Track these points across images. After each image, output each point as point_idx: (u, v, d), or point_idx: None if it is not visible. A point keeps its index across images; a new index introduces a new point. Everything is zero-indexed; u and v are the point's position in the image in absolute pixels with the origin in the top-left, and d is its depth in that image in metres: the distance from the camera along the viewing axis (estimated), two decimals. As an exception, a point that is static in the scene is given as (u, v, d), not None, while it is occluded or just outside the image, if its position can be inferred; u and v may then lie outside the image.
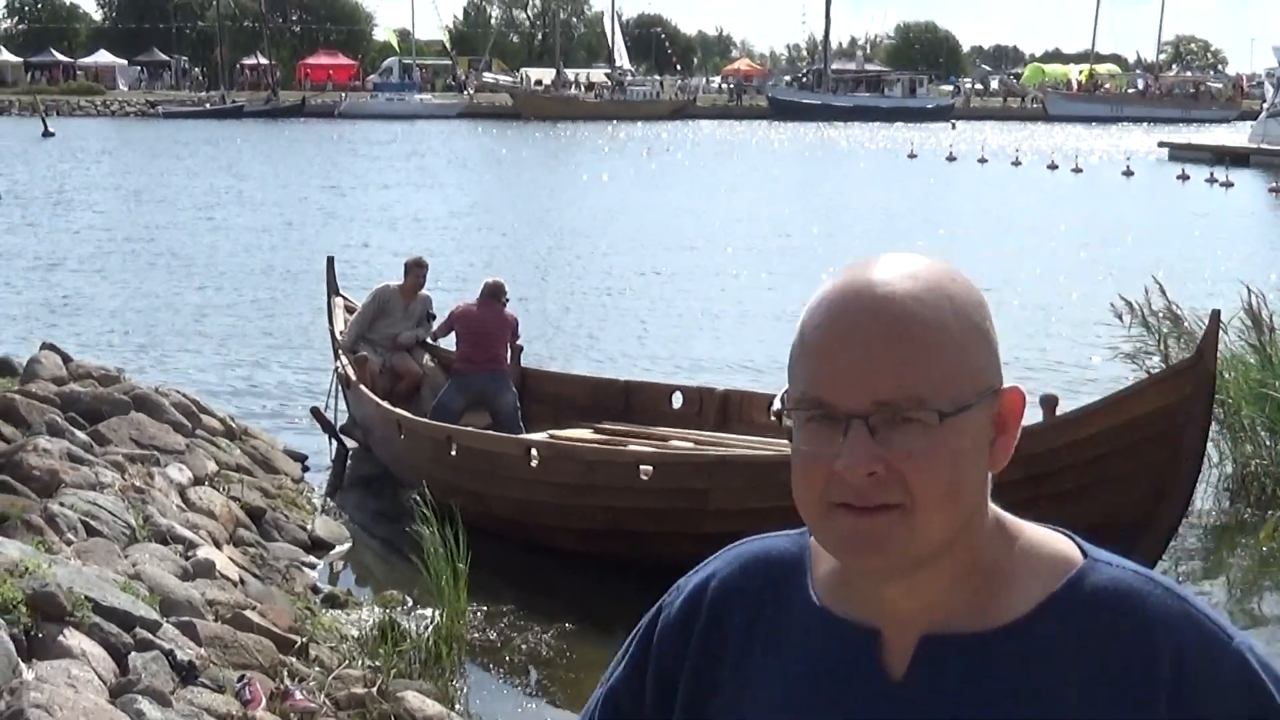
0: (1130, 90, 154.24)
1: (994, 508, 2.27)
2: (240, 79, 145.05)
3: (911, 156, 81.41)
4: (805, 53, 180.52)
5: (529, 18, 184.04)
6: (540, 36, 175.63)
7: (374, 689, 9.31)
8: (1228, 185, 62.16)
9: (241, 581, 10.77)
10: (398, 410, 14.86)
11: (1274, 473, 14.64)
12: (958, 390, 2.11)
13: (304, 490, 14.97)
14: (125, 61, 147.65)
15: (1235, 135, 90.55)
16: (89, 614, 8.21)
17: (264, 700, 8.48)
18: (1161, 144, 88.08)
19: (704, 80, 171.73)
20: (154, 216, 44.36)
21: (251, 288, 29.96)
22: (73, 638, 7.97)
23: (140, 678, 7.90)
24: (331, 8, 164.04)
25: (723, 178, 64.80)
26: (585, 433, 15.11)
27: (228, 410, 16.57)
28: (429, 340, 17.17)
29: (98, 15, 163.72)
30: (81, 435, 12.50)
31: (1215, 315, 10.02)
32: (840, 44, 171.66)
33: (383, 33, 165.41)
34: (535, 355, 18.13)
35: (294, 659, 9.52)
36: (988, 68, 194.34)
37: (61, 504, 10.30)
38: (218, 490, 12.87)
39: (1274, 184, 60.92)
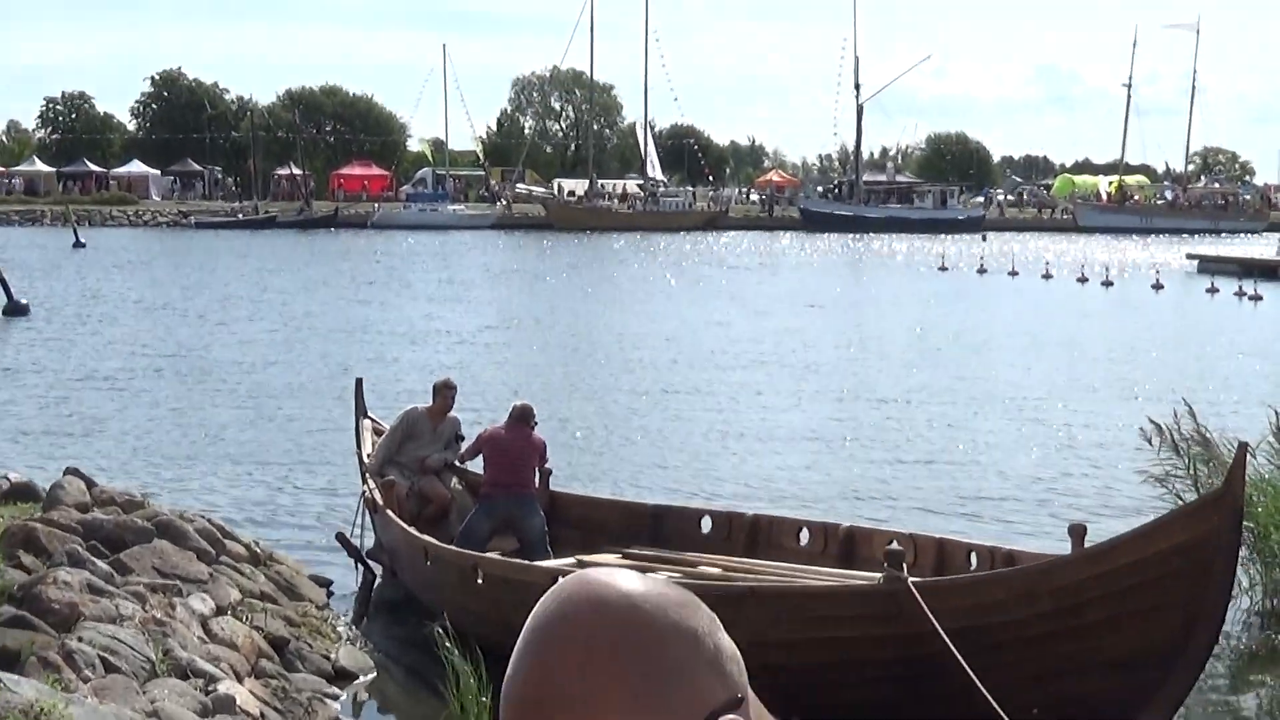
0: (1159, 201, 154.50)
1: None
2: (274, 189, 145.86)
3: (943, 269, 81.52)
4: (837, 163, 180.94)
5: (562, 128, 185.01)
6: (574, 147, 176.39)
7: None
8: (1256, 299, 62.17)
9: (262, 717, 10.66)
10: (424, 536, 14.78)
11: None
12: None
13: (329, 617, 14.85)
14: (159, 172, 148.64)
15: (1264, 246, 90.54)
16: (106, 756, 8.12)
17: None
18: (1190, 256, 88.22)
19: (736, 190, 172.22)
20: (181, 330, 44.50)
21: (280, 406, 29.93)
22: (89, 781, 7.88)
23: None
24: (365, 118, 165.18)
25: (754, 290, 64.93)
26: (614, 558, 14.99)
27: (253, 534, 16.48)
28: (457, 463, 17.09)
29: (132, 125, 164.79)
30: (103, 565, 12.42)
31: (1242, 447, 9.96)
32: (872, 154, 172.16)
33: (416, 143, 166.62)
34: (564, 477, 18.03)
35: (314, 797, 9.40)
36: (1018, 178, 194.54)
37: (80, 639, 10.21)
38: (240, 620, 12.76)
39: (1302, 297, 60.97)
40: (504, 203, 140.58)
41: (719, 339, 43.92)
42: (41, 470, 19.11)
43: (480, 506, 15.78)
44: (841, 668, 11.21)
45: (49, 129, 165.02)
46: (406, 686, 13.31)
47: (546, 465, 16.45)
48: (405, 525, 15.20)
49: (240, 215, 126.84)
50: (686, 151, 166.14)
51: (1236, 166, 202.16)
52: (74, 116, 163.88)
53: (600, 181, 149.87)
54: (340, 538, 16.69)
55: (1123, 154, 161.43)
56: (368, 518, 16.72)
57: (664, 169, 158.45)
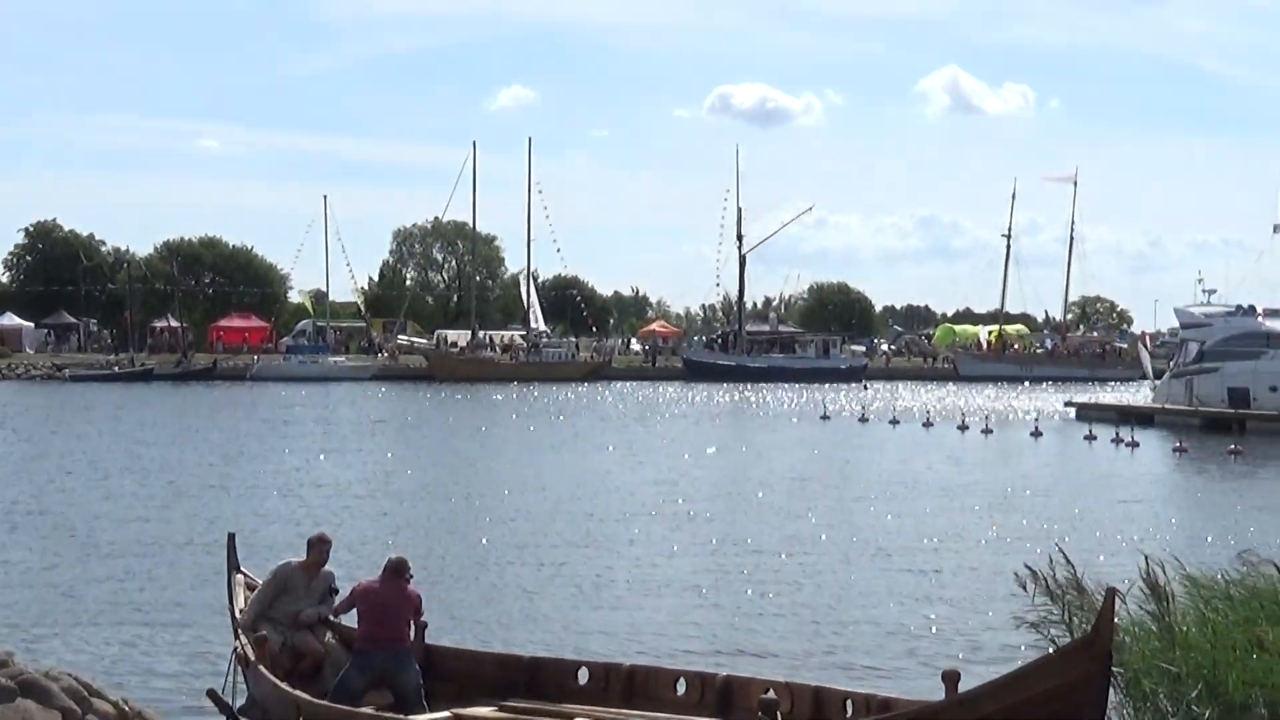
0: (1039, 350, 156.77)
1: None
2: (151, 341, 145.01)
3: (824, 418, 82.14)
4: (720, 313, 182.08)
5: (444, 279, 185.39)
6: (456, 298, 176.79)
7: None
8: (1133, 445, 63.09)
9: None
10: (296, 692, 14.63)
11: (1179, 744, 14.55)
12: None
13: (199, 775, 14.65)
14: (32, 324, 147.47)
15: (1141, 395, 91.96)
16: None
17: None
18: (1069, 404, 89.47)
19: (620, 341, 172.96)
20: (50, 486, 43.94)
21: (150, 562, 29.58)
22: None
23: None
24: (245, 270, 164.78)
25: (635, 441, 65.07)
26: (490, 711, 14.90)
27: (122, 693, 16.19)
28: (331, 617, 16.94)
29: (4, 277, 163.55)
30: (-34, 725, 12.20)
31: (1111, 592, 10.08)
32: (755, 304, 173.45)
33: (297, 294, 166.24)
34: (439, 630, 17.90)
35: None
36: (899, 328, 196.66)
37: (-59, 801, 10.00)
38: (108, 779, 12.55)
39: (1178, 443, 61.82)
40: (386, 354, 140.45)
41: (598, 490, 43.93)
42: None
43: (354, 661, 15.65)
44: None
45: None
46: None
47: (422, 618, 16.34)
48: (278, 681, 15.04)
49: (116, 368, 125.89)
50: (570, 302, 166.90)
51: (1115, 315, 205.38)
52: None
53: (483, 332, 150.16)
54: (212, 694, 16.46)
55: (1002, 303, 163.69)
56: (240, 674, 16.51)
57: (547, 319, 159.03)
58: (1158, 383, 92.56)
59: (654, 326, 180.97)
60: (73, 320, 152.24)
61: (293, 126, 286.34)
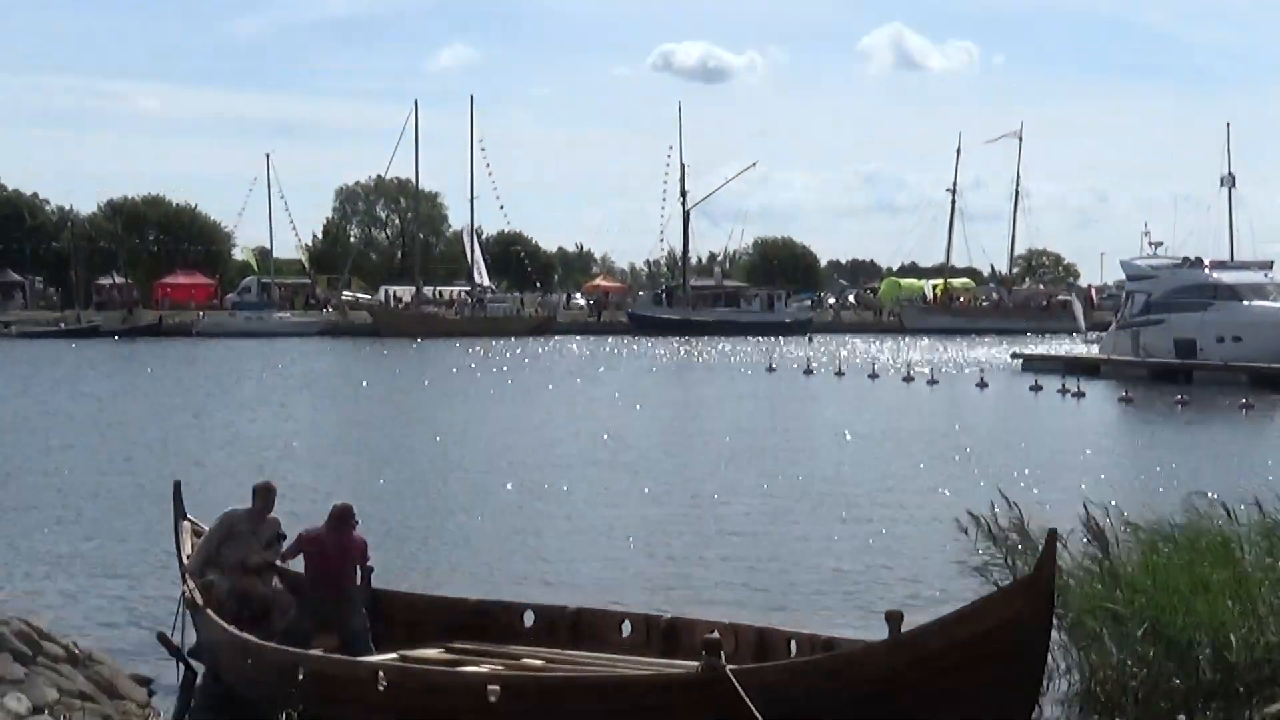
0: (984, 303, 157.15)
1: None
2: (97, 299, 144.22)
3: (770, 370, 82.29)
4: (665, 269, 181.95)
5: (388, 236, 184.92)
6: (400, 255, 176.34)
7: None
8: (1079, 395, 63.38)
9: (80, 814, 10.53)
10: (244, 635, 14.72)
11: (1119, 681, 14.76)
12: None
13: (149, 716, 14.70)
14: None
15: (1086, 347, 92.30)
16: None
17: None
18: (1015, 355, 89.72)
19: (565, 296, 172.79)
20: (0, 439, 43.80)
21: (98, 511, 29.57)
22: None
23: None
24: (189, 228, 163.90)
25: (579, 394, 65.10)
26: (436, 652, 15.00)
27: (72, 635, 16.25)
28: (278, 563, 17.01)
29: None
30: (-86, 667, 12.25)
31: (1052, 534, 10.19)
32: (700, 259, 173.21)
33: (241, 252, 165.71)
34: (385, 575, 17.98)
35: None
36: (845, 282, 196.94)
37: (-108, 739, 10.06)
38: (58, 719, 12.60)
39: (1124, 393, 62.18)
40: (331, 310, 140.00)
41: (542, 441, 43.98)
42: None
43: (301, 606, 15.75)
44: (662, 756, 11.26)
45: None
46: (229, 784, 13.21)
47: (368, 564, 16.44)
48: (226, 625, 15.12)
49: (63, 325, 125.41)
50: (514, 258, 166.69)
51: (1060, 269, 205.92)
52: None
53: (427, 288, 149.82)
54: (161, 638, 16.57)
55: (948, 257, 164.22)
56: (189, 618, 16.60)
57: (491, 275, 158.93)
58: (1091, 335, 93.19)
59: (599, 282, 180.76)
60: (18, 278, 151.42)
61: (234, 86, 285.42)
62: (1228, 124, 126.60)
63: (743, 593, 21.54)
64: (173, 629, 16.59)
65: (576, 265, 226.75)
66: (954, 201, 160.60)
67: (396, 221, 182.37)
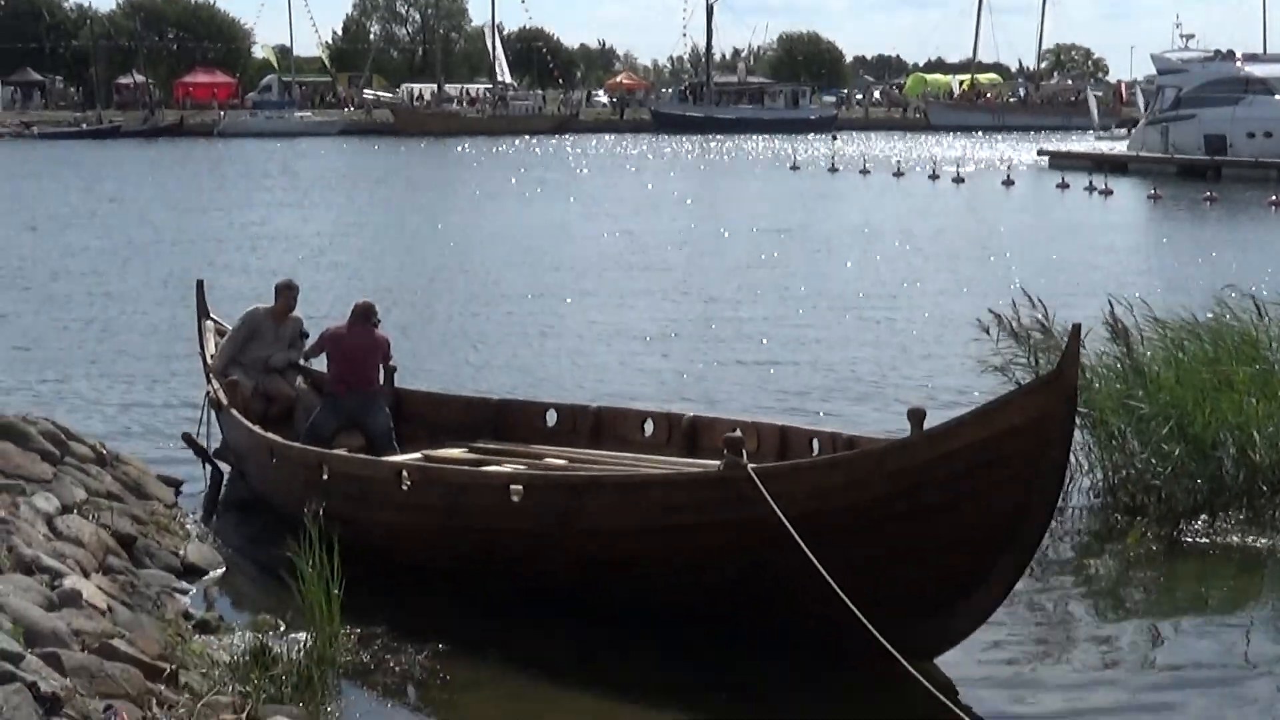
0: (1011, 99, 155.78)
1: None
2: (117, 98, 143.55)
3: (794, 168, 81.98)
4: (688, 65, 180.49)
5: (409, 33, 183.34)
6: (421, 52, 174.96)
7: (243, 715, 9.27)
8: (1107, 193, 63.10)
9: (110, 610, 10.64)
10: (269, 435, 14.78)
11: (1142, 480, 14.82)
12: None
13: (177, 516, 14.82)
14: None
15: (1115, 143, 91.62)
16: (-54, 651, 8.11)
17: (130, 730, 8.40)
18: (1042, 152, 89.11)
19: (587, 94, 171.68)
20: (19, 240, 43.86)
21: (124, 311, 29.66)
22: (-71, 675, 7.88)
23: (1, 711, 7.81)
24: (209, 25, 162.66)
25: (604, 193, 64.89)
26: (459, 452, 15.05)
27: (99, 436, 16.35)
28: (301, 362, 17.06)
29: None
30: (-58, 466, 12.34)
31: (1075, 329, 10.07)
32: (723, 55, 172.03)
33: (261, 50, 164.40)
34: (408, 374, 18.04)
35: (163, 687, 9.42)
36: (870, 78, 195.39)
37: (-80, 537, 10.16)
38: (87, 519, 12.71)
39: (1152, 190, 61.78)
40: (352, 108, 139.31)
41: (563, 241, 43.97)
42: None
43: (325, 404, 15.79)
44: (683, 554, 11.32)
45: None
46: (257, 580, 13.32)
47: (391, 362, 16.47)
48: (251, 425, 15.18)
49: (84, 125, 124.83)
50: (535, 55, 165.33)
51: (1089, 64, 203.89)
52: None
53: (448, 86, 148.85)
54: (186, 438, 16.67)
55: (975, 52, 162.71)
56: (214, 418, 16.68)
57: (513, 73, 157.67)
58: (1102, 132, 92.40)
59: (621, 79, 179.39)
60: (38, 77, 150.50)
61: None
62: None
63: (763, 394, 21.57)
64: (198, 429, 16.67)
65: (599, 62, 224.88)
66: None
67: (417, 18, 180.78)
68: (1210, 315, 16.94)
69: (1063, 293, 28.12)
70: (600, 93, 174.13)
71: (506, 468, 13.67)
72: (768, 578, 11.03)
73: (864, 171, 77.96)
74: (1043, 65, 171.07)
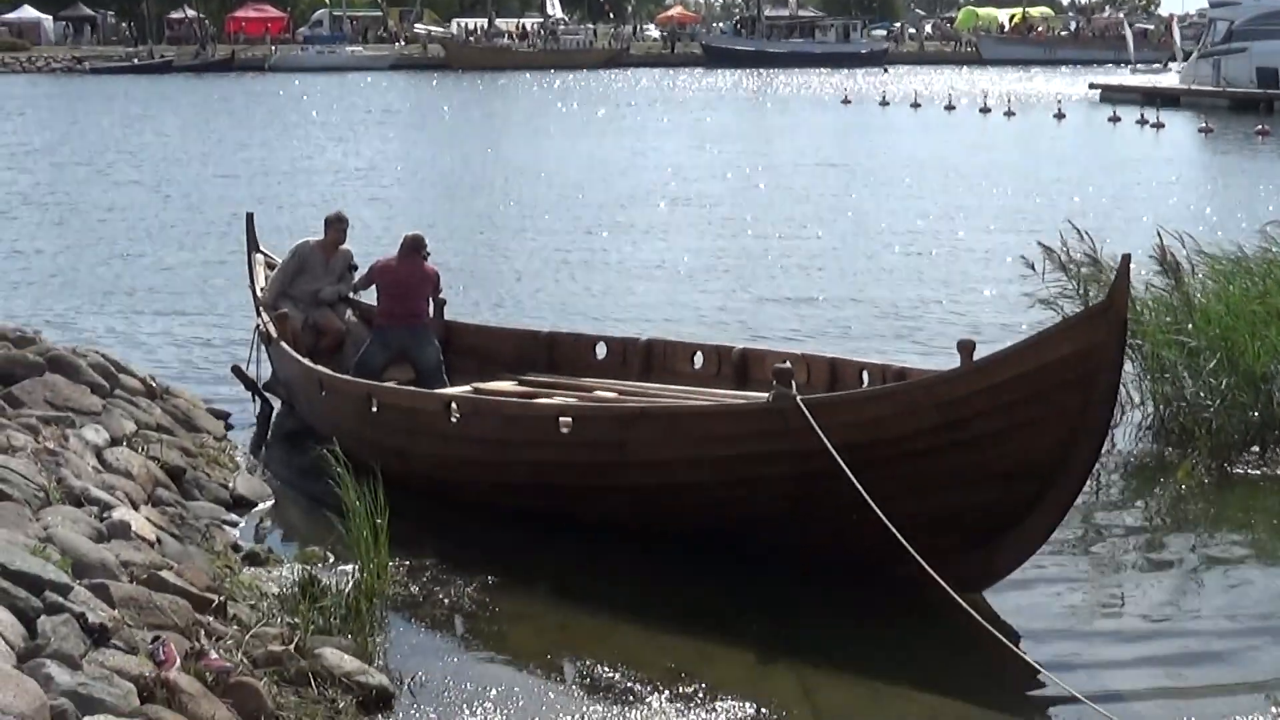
0: (1063, 33, 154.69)
1: None
2: (169, 33, 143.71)
3: (845, 102, 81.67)
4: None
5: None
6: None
7: (291, 646, 9.28)
8: (1159, 126, 62.74)
9: (159, 542, 10.68)
10: (319, 367, 14.79)
11: (1193, 414, 14.75)
12: None
13: (226, 448, 14.86)
14: (50, 17, 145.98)
15: (1167, 76, 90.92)
16: (-4, 579, 8.13)
17: (178, 660, 8.42)
18: (1093, 86, 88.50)
19: (638, 27, 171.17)
20: (72, 174, 44.06)
21: (173, 245, 29.76)
22: (-21, 604, 7.91)
23: (49, 641, 7.84)
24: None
25: (656, 127, 64.82)
26: (509, 385, 15.04)
27: (148, 369, 16.40)
28: (350, 295, 17.07)
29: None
30: (-8, 398, 12.38)
31: (1125, 259, 9.98)
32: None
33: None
34: (460, 308, 18.04)
35: (211, 618, 9.45)
36: (921, 12, 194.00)
37: (-30, 468, 10.19)
38: (136, 451, 12.74)
39: (1203, 124, 61.36)
40: (403, 43, 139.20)
41: (614, 175, 43.89)
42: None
43: (375, 337, 15.78)
44: (733, 485, 11.32)
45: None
46: (306, 512, 13.33)
47: (440, 295, 16.46)
48: (300, 357, 15.20)
49: (136, 60, 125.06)
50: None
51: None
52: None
53: (499, 20, 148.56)
54: (236, 370, 16.71)
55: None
56: (263, 351, 16.72)
57: (564, 7, 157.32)
58: (1141, 66, 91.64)
59: (672, 12, 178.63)
60: (90, 12, 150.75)
61: None
62: None
63: (812, 327, 21.52)
64: (248, 362, 16.71)
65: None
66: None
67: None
68: (1260, 248, 16.81)
69: (1113, 226, 28.01)
70: (651, 27, 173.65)
71: (556, 400, 13.66)
72: (817, 508, 11.01)
73: (915, 105, 77.68)
74: None
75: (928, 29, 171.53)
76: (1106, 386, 10.23)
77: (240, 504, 13.17)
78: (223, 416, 15.99)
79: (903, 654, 10.21)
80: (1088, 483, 11.13)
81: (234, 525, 12.65)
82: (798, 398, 10.77)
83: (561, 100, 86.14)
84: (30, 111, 74.37)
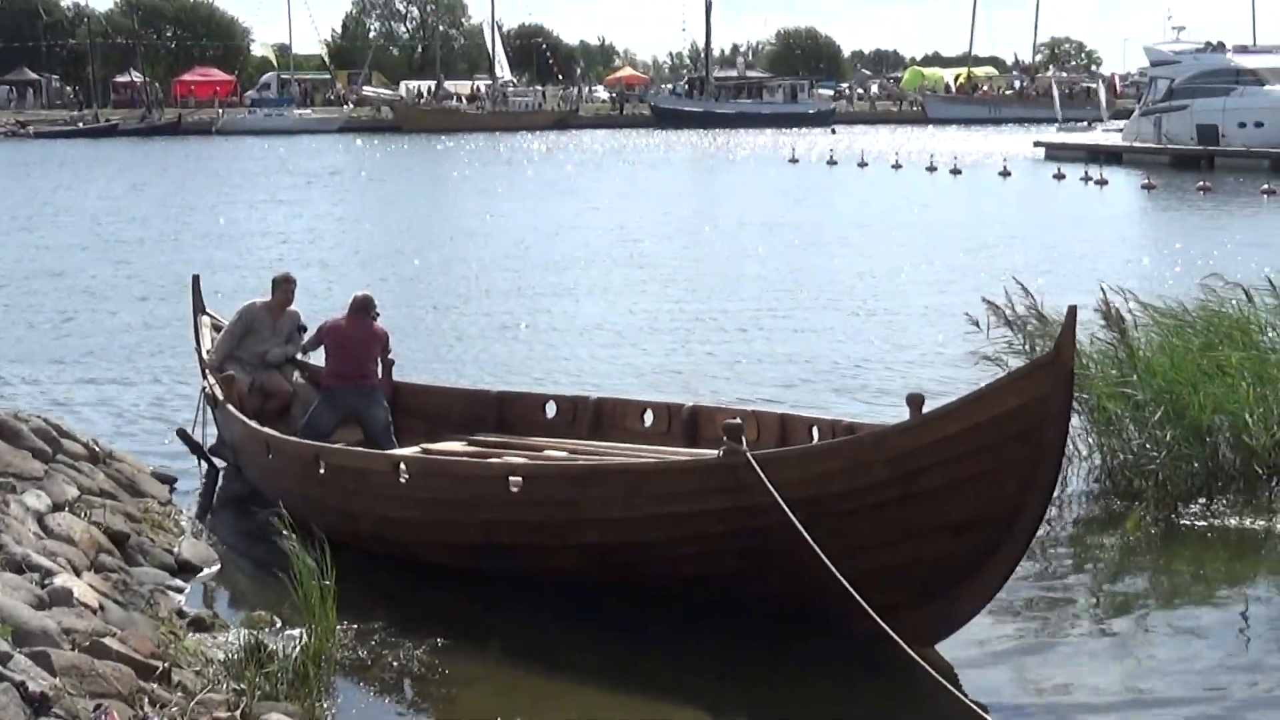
0: (1008, 92, 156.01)
1: None
2: (115, 97, 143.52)
3: (793, 161, 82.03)
4: (688, 60, 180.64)
5: (408, 30, 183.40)
6: (420, 49, 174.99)
7: (237, 713, 9.19)
8: (1102, 183, 63.19)
9: (101, 608, 10.55)
10: (265, 429, 14.68)
11: (1138, 465, 14.80)
12: None
13: (172, 513, 14.70)
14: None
15: (1109, 135, 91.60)
16: (-66, 649, 8.01)
17: (120, 729, 8.30)
18: (1038, 144, 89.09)
19: (587, 89, 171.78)
20: (14, 237, 43.80)
21: (118, 308, 29.62)
22: (-84, 674, 7.78)
23: (-11, 711, 7.72)
24: (207, 23, 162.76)
25: (603, 188, 64.91)
26: (459, 445, 14.98)
27: (92, 434, 16.25)
28: (299, 355, 16.97)
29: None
30: (-67, 463, 12.23)
31: (1072, 311, 10.01)
32: (722, 51, 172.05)
33: (260, 48, 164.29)
34: (407, 367, 17.94)
35: (155, 685, 9.33)
36: (868, 72, 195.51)
37: (-91, 534, 10.05)
38: (78, 516, 12.60)
39: (1146, 180, 61.84)
40: (352, 105, 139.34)
41: (562, 237, 43.87)
42: None
43: (323, 398, 15.67)
44: (684, 542, 11.28)
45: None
46: (252, 577, 13.22)
47: (389, 356, 16.36)
48: (247, 420, 15.09)
49: (81, 124, 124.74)
50: (535, 51, 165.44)
51: (1084, 56, 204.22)
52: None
53: (448, 83, 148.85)
54: (181, 434, 16.59)
55: (970, 46, 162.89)
56: (209, 414, 16.60)
57: (513, 69, 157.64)
58: (1112, 122, 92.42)
59: (621, 74, 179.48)
60: (35, 76, 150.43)
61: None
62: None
63: (760, 386, 21.46)
64: (193, 425, 16.60)
65: (598, 58, 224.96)
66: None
67: (416, 14, 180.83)
68: (1200, 301, 16.92)
69: (1058, 282, 28.11)
70: (600, 88, 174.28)
71: (506, 459, 13.59)
72: (769, 563, 10.98)
73: (862, 164, 77.96)
74: (1038, 58, 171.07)
75: (874, 89, 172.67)
76: (1055, 437, 10.23)
77: (185, 569, 13.03)
78: (168, 481, 15.84)
79: (859, 709, 10.22)
80: (1037, 534, 11.09)
81: (179, 591, 12.51)
82: (748, 453, 10.74)
83: (510, 162, 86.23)
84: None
